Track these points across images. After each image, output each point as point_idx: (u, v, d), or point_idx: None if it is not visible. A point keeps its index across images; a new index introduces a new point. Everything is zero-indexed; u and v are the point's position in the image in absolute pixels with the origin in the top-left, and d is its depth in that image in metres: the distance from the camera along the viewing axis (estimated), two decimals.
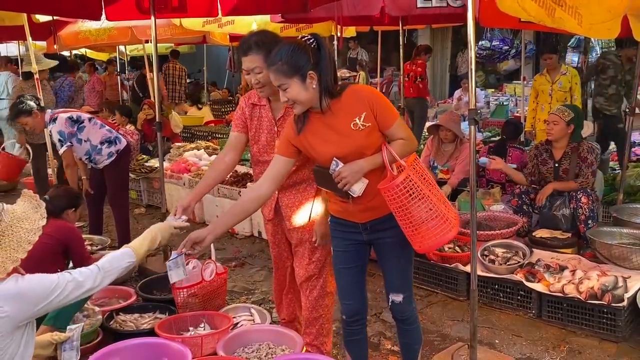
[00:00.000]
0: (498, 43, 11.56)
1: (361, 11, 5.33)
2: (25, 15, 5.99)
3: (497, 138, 6.84)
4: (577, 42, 10.39)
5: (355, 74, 11.03)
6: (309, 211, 2.81)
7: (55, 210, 3.62)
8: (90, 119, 4.62)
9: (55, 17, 6.67)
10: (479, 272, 3.56)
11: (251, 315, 3.54)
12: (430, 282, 4.10)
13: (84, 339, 2.89)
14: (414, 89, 8.67)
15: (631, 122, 4.90)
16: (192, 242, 2.34)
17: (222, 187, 5.57)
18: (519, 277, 3.70)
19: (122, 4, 4.68)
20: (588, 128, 6.94)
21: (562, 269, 3.76)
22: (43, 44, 9.21)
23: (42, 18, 6.81)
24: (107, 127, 4.72)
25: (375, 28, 8.78)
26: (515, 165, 5.04)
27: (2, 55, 10.10)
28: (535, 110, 6.30)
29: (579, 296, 3.40)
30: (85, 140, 4.56)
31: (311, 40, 2.28)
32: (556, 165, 4.47)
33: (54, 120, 4.48)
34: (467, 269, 3.77)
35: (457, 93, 10.30)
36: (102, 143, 4.62)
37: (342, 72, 11.24)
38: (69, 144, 4.48)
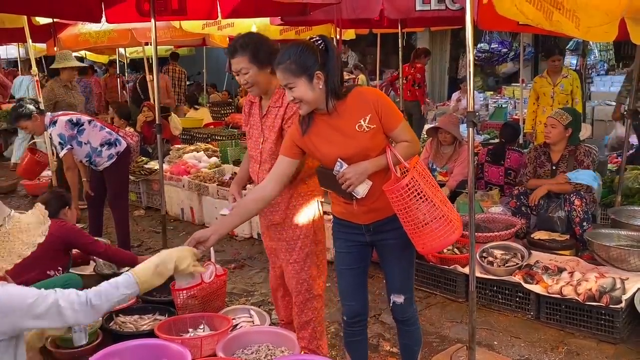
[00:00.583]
0: (497, 46, 11.59)
1: (360, 14, 5.35)
2: (25, 17, 6.01)
3: (496, 140, 6.85)
4: (576, 44, 10.43)
5: (353, 76, 11.04)
6: (285, 210, 2.83)
7: (52, 213, 3.65)
8: (90, 121, 4.63)
9: (55, 20, 6.68)
10: (478, 274, 3.57)
11: (250, 317, 3.54)
12: (429, 284, 4.11)
13: None
14: (412, 92, 8.69)
15: (629, 125, 4.92)
16: (196, 241, 2.31)
17: (222, 190, 5.58)
18: (517, 278, 3.71)
19: (122, 6, 4.69)
20: (586, 131, 6.98)
21: (561, 270, 3.77)
22: (43, 46, 9.23)
23: (42, 20, 6.82)
24: (107, 129, 4.72)
25: (375, 31, 8.80)
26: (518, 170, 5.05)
27: (25, 58, 10.11)
28: (535, 112, 6.33)
29: (577, 298, 3.41)
30: (85, 143, 4.56)
31: (319, 42, 2.32)
32: (553, 167, 4.49)
33: (53, 123, 4.49)
34: (466, 270, 3.78)
35: (456, 95, 10.32)
36: (102, 145, 4.62)
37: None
38: (69, 146, 4.49)
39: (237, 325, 3.42)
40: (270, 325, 3.44)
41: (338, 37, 6.35)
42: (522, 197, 4.52)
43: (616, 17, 2.41)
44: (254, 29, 7.20)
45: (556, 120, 4.41)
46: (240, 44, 2.67)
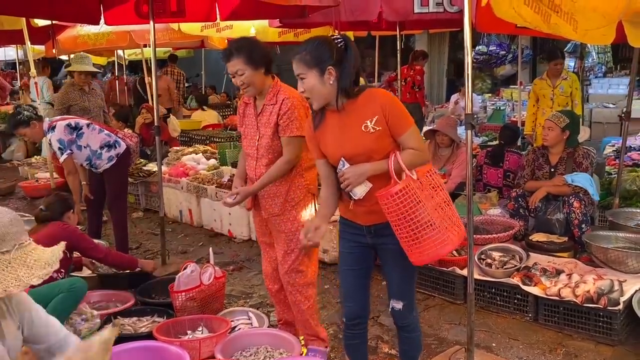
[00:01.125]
0: (495, 48, 11.63)
1: (359, 16, 5.36)
2: (24, 19, 6.02)
3: (494, 142, 6.86)
4: (574, 47, 10.46)
5: None
6: (284, 202, 2.96)
7: (55, 216, 3.68)
8: (88, 125, 4.62)
9: (54, 22, 6.69)
10: (476, 276, 3.57)
11: (249, 319, 3.55)
12: (427, 286, 4.12)
13: None
14: (412, 94, 8.69)
15: (627, 127, 4.93)
16: (311, 229, 2.41)
17: (220, 192, 5.58)
18: (515, 280, 3.72)
19: (120, 8, 4.70)
20: (585, 133, 6.99)
21: (559, 272, 3.77)
22: (42, 48, 9.23)
23: (41, 22, 6.83)
24: (106, 132, 4.72)
25: (373, 33, 8.82)
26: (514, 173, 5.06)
27: (40, 59, 10.11)
28: (535, 115, 6.35)
29: (575, 300, 3.42)
30: (85, 147, 4.56)
31: (339, 40, 2.36)
32: (552, 170, 4.50)
33: (52, 128, 4.48)
34: (464, 272, 3.78)
35: (455, 97, 10.34)
36: (101, 147, 4.62)
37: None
38: (69, 151, 4.48)
39: (235, 327, 3.42)
40: (268, 327, 3.44)
41: None
42: (520, 199, 4.52)
43: (614, 20, 2.42)
44: (252, 32, 7.23)
45: (553, 123, 4.42)
46: (235, 47, 2.85)
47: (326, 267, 4.53)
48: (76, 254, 3.86)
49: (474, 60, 10.74)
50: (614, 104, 9.59)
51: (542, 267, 3.83)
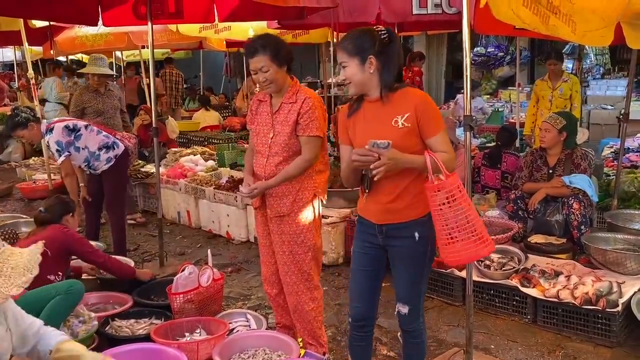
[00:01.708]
0: (493, 49, 11.64)
1: (357, 18, 5.36)
2: (21, 20, 6.00)
3: (493, 144, 6.86)
4: (572, 48, 10.48)
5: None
6: (292, 203, 2.93)
7: (54, 218, 3.66)
8: (86, 126, 4.61)
9: (51, 23, 6.67)
10: (475, 278, 3.56)
11: (247, 321, 3.53)
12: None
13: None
14: None
15: (625, 128, 4.93)
16: None
17: (219, 193, 5.57)
18: (514, 282, 3.71)
19: (119, 9, 4.69)
20: (583, 134, 7.00)
21: (557, 274, 3.77)
22: (39, 49, 9.23)
23: (39, 23, 6.81)
24: (104, 133, 4.71)
25: None
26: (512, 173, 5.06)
27: (52, 61, 10.14)
28: (535, 115, 6.35)
29: (573, 301, 3.41)
30: (83, 148, 4.55)
31: (383, 32, 2.38)
32: (550, 171, 4.50)
33: (50, 130, 4.47)
34: (463, 274, 3.77)
35: (460, 97, 10.34)
36: (100, 149, 4.61)
37: (338, 78, 11.28)
38: (67, 153, 4.47)
39: (233, 329, 3.41)
40: (267, 329, 3.43)
41: (335, 41, 6.36)
42: (519, 201, 4.52)
43: (612, 21, 2.42)
44: (251, 33, 7.22)
45: (550, 125, 4.43)
46: (261, 43, 2.82)
47: (325, 269, 4.52)
48: (75, 262, 3.84)
49: (472, 62, 10.74)
50: (612, 106, 9.61)
51: (540, 269, 3.83)
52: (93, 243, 4.81)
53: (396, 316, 2.61)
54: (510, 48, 11.43)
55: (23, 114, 4.53)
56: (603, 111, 9.60)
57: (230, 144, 7.51)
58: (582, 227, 4.20)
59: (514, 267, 3.87)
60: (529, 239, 4.34)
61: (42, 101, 10.20)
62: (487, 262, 3.93)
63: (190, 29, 7.32)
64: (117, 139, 4.76)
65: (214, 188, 5.72)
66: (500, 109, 10.19)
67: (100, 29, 7.15)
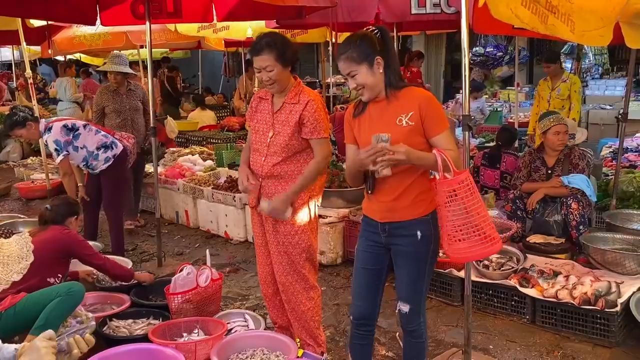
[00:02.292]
0: (492, 49, 11.63)
1: (356, 18, 5.36)
2: (19, 19, 5.99)
3: (492, 144, 6.87)
4: (570, 48, 10.48)
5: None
6: (292, 203, 2.90)
7: (57, 218, 3.66)
8: (85, 126, 4.61)
9: (49, 22, 6.66)
10: (473, 278, 3.56)
11: (245, 321, 3.53)
12: None
13: None
14: None
15: (624, 128, 4.94)
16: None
17: (217, 193, 5.57)
18: (513, 282, 3.71)
19: (117, 9, 4.69)
20: (582, 135, 6.99)
21: (556, 274, 3.77)
22: (37, 48, 9.22)
23: (37, 23, 6.80)
24: (103, 133, 4.71)
25: None
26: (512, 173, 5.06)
27: (64, 61, 10.13)
28: (537, 115, 6.36)
29: (572, 301, 3.41)
30: (81, 148, 4.54)
31: (375, 31, 2.40)
32: (549, 172, 4.50)
33: (49, 129, 4.46)
34: (461, 274, 3.78)
35: (460, 97, 10.35)
36: (98, 149, 4.60)
37: (338, 78, 11.28)
38: (65, 152, 4.46)
39: (231, 329, 3.40)
40: (265, 329, 3.42)
41: (333, 40, 6.36)
42: (517, 201, 4.52)
43: (611, 21, 2.42)
44: (249, 32, 7.22)
45: (565, 126, 4.46)
46: (266, 42, 2.78)
47: (323, 269, 4.51)
48: (71, 267, 3.82)
49: (471, 62, 10.75)
50: (611, 105, 9.61)
51: (539, 269, 3.83)
52: (91, 243, 4.82)
53: (397, 315, 2.61)
54: (509, 48, 11.43)
55: (21, 113, 4.52)
56: (602, 111, 9.60)
57: (228, 144, 7.49)
58: (581, 227, 4.20)
59: (513, 267, 3.87)
60: (527, 239, 4.34)
61: (56, 101, 10.24)
62: (486, 262, 3.93)
63: (188, 29, 7.31)
64: (116, 138, 4.75)
65: (212, 188, 5.71)
66: (499, 109, 10.20)
67: (98, 28, 7.15)
